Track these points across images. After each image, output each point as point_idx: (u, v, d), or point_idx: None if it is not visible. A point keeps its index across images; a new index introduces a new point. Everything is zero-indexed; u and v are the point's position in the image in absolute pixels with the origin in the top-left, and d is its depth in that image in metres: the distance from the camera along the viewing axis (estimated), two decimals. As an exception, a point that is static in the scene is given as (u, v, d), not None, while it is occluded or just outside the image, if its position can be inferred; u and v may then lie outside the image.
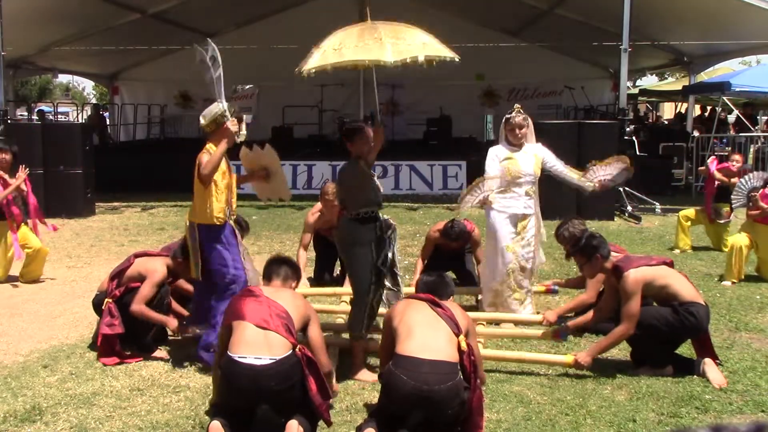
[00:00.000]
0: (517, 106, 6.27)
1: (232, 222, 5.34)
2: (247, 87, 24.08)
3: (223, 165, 5.35)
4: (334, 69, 4.63)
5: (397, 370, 3.83)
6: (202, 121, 5.31)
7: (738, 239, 7.58)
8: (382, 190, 5.09)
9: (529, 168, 6.09)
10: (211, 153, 5.22)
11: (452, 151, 16.48)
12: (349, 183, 5.04)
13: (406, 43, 4.69)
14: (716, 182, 8.92)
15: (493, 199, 6.02)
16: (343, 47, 4.67)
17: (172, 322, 5.33)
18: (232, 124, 5.20)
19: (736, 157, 9.30)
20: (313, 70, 4.62)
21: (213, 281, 5.13)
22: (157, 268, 5.31)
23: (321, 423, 4.01)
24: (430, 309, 4.09)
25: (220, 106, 5.25)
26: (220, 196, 5.29)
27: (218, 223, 5.20)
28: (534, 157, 6.14)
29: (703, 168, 9.14)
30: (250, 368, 3.83)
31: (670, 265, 5.21)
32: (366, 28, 4.85)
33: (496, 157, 6.13)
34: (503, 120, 6.26)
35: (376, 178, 5.06)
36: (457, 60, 4.81)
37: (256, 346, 3.88)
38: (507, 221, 6.06)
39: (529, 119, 6.22)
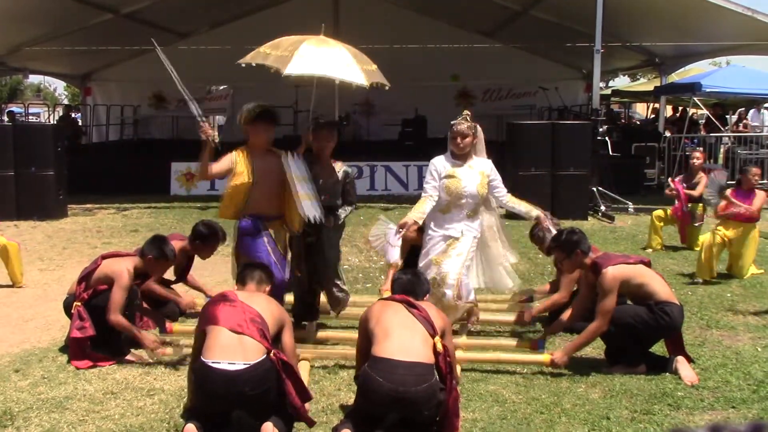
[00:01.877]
0: (466, 112, 5.61)
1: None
2: (221, 88, 23.93)
3: (239, 167, 5.35)
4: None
5: (373, 371, 3.84)
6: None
7: (709, 237, 7.69)
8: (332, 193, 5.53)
9: (472, 187, 5.39)
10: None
11: (427, 151, 16.46)
12: None
13: (316, 61, 5.32)
14: (685, 197, 8.98)
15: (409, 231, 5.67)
16: (272, 50, 5.17)
17: (147, 341, 5.22)
18: (202, 130, 5.30)
19: (696, 154, 9.43)
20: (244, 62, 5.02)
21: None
22: (123, 271, 5.22)
23: (299, 424, 4.01)
24: (406, 310, 4.10)
25: (252, 104, 5.42)
26: (240, 192, 5.37)
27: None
28: (480, 175, 5.45)
29: (671, 192, 9.20)
30: (223, 374, 3.81)
31: (648, 264, 5.27)
32: (298, 42, 5.31)
33: (436, 172, 5.47)
34: (450, 128, 5.59)
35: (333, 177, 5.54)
36: (365, 84, 5.37)
37: (230, 351, 3.86)
38: (440, 241, 5.48)
39: (479, 129, 5.53)
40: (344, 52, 5.42)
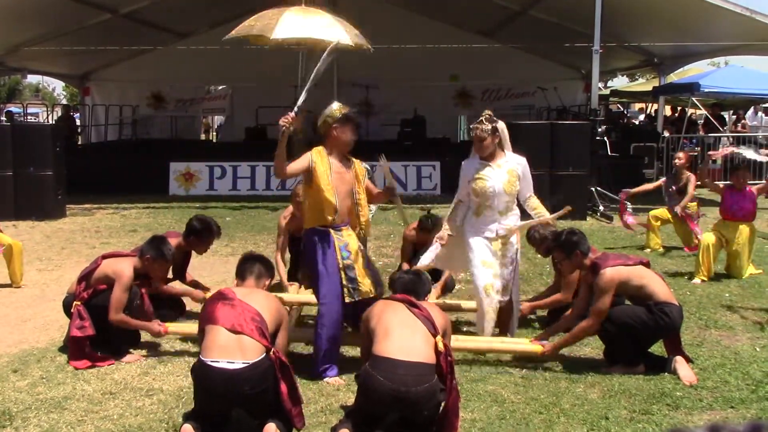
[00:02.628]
0: (487, 112, 5.53)
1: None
2: (221, 88, 23.95)
3: (320, 168, 4.95)
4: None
5: (374, 371, 3.84)
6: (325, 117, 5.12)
7: (707, 237, 7.70)
8: None
9: (499, 186, 5.37)
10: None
11: (426, 151, 16.52)
12: None
13: (300, 26, 5.54)
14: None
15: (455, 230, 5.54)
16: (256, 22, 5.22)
17: (154, 328, 5.27)
18: (283, 119, 4.84)
19: (680, 154, 9.44)
20: (228, 38, 5.06)
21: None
22: (123, 270, 5.23)
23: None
24: (407, 310, 4.10)
25: (335, 105, 5.08)
26: (328, 199, 4.93)
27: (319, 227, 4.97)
28: (508, 173, 5.42)
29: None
30: (222, 372, 3.81)
31: (647, 265, 5.27)
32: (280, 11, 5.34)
33: (464, 178, 5.47)
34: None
35: None
36: (338, 42, 5.21)
37: (229, 350, 3.86)
38: (482, 242, 5.42)
39: (500, 125, 5.44)
40: (326, 16, 5.59)
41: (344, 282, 4.88)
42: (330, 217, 4.91)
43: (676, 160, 9.28)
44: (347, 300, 4.89)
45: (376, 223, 10.41)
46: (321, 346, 4.87)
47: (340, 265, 4.88)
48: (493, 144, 5.42)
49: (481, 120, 5.42)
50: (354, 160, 5.17)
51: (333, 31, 5.40)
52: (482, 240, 5.41)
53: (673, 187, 9.14)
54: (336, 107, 5.03)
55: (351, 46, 5.42)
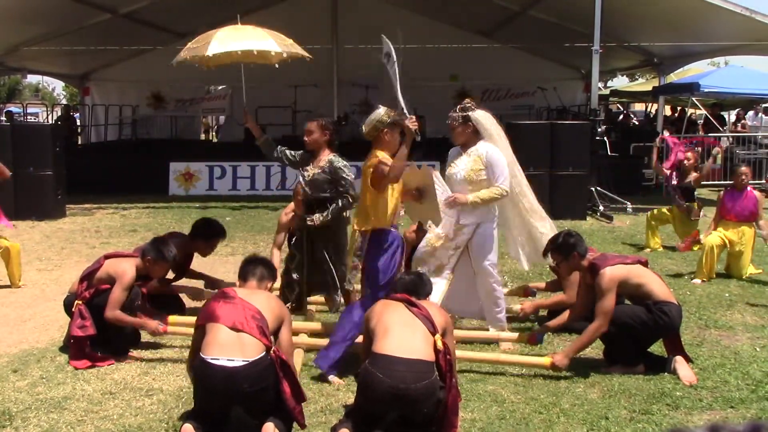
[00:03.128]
0: (466, 100, 5.71)
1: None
2: (220, 88, 23.93)
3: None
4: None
5: (373, 368, 3.84)
6: (363, 128, 5.17)
7: (711, 239, 7.69)
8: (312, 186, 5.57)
9: (461, 173, 5.52)
10: (383, 160, 4.94)
11: (426, 151, 16.51)
12: None
13: (234, 41, 6.09)
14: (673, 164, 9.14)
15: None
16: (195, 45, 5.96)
17: (150, 324, 5.28)
18: (411, 123, 4.88)
19: (689, 154, 9.45)
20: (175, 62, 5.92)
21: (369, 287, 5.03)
22: (126, 270, 5.25)
23: (295, 425, 4.00)
24: (407, 309, 4.10)
25: (382, 110, 5.13)
26: (392, 200, 5.07)
27: (387, 227, 5.08)
28: (473, 162, 5.51)
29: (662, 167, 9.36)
30: (222, 370, 3.81)
31: (645, 264, 5.27)
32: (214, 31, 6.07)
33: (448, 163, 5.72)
34: None
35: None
36: (284, 56, 5.88)
37: (229, 348, 3.87)
38: (448, 222, 5.60)
39: (476, 115, 5.54)
40: (259, 30, 6.01)
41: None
42: (391, 218, 5.08)
43: (685, 161, 9.29)
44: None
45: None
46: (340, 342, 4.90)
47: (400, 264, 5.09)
48: (465, 133, 5.57)
49: (465, 104, 5.62)
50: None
51: (265, 42, 5.77)
52: (448, 222, 5.57)
53: (675, 183, 9.15)
54: (383, 112, 5.10)
55: (283, 57, 5.79)
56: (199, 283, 6.58)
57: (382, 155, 4.97)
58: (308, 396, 4.46)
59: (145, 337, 5.56)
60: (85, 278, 5.36)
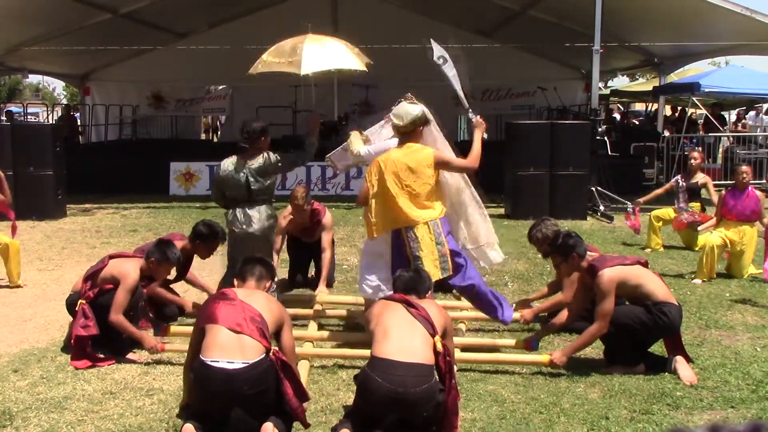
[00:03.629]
0: (408, 95, 5.82)
1: None
2: (221, 88, 23.93)
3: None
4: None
5: (372, 372, 3.84)
6: (397, 121, 5.36)
7: (711, 239, 7.68)
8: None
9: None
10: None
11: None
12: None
13: (322, 58, 6.05)
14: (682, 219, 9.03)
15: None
16: (271, 56, 5.96)
17: (149, 341, 5.25)
18: (479, 122, 5.50)
19: (695, 154, 9.45)
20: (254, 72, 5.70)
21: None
22: (129, 272, 5.26)
23: (296, 424, 4.00)
24: (406, 311, 4.09)
25: (419, 108, 5.42)
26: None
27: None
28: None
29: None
30: (222, 372, 3.81)
31: (645, 264, 5.27)
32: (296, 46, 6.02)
33: (382, 147, 5.82)
34: None
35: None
36: (365, 68, 5.80)
37: (229, 350, 3.86)
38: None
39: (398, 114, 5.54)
40: (339, 45, 5.97)
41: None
42: None
43: (692, 160, 9.29)
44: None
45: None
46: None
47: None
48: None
49: (406, 100, 5.69)
50: None
51: (348, 59, 5.92)
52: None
53: (683, 184, 9.15)
54: (423, 109, 5.45)
55: (365, 71, 5.94)
56: (191, 293, 6.59)
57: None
58: (309, 396, 4.47)
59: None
60: (89, 278, 5.36)
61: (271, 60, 5.79)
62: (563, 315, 5.37)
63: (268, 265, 4.60)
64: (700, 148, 13.55)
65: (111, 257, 5.49)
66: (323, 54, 5.86)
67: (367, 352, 4.16)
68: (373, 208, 5.29)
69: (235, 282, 4.52)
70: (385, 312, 4.12)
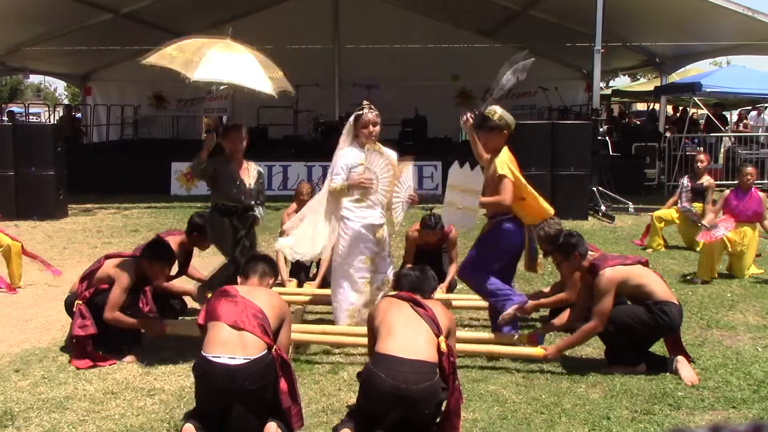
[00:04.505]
0: (366, 102, 5.80)
1: None
2: (222, 88, 23.86)
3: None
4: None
5: (376, 368, 3.84)
6: (509, 122, 5.51)
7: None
8: (251, 193, 5.73)
9: (385, 174, 5.65)
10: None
11: (427, 151, 16.51)
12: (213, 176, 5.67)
13: (224, 66, 5.35)
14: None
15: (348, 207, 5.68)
16: (177, 53, 5.24)
17: (151, 327, 5.28)
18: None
19: (701, 156, 9.44)
20: (147, 63, 5.14)
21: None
22: (124, 271, 5.25)
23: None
24: (412, 309, 4.09)
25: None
26: None
27: None
28: (387, 160, 5.69)
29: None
30: (224, 368, 3.82)
31: (645, 264, 5.27)
32: (204, 45, 5.37)
33: (346, 166, 5.59)
34: (352, 118, 5.73)
35: (250, 181, 5.72)
36: (275, 95, 5.43)
37: (231, 346, 3.87)
38: (364, 231, 5.62)
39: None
40: (251, 59, 5.44)
41: None
42: None
43: (699, 163, 9.30)
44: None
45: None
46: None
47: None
48: (380, 130, 5.72)
49: (369, 106, 5.70)
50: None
51: (256, 79, 5.29)
52: (360, 235, 5.59)
53: (689, 185, 9.15)
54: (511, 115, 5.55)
55: (273, 96, 5.47)
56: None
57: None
58: (309, 396, 4.48)
59: (146, 337, 5.56)
60: (86, 278, 5.37)
61: (170, 54, 5.25)
62: (564, 315, 5.37)
63: (271, 262, 4.61)
64: (702, 148, 13.55)
65: (107, 257, 5.49)
66: (227, 65, 5.15)
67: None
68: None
69: (239, 279, 4.54)
70: (390, 309, 4.12)
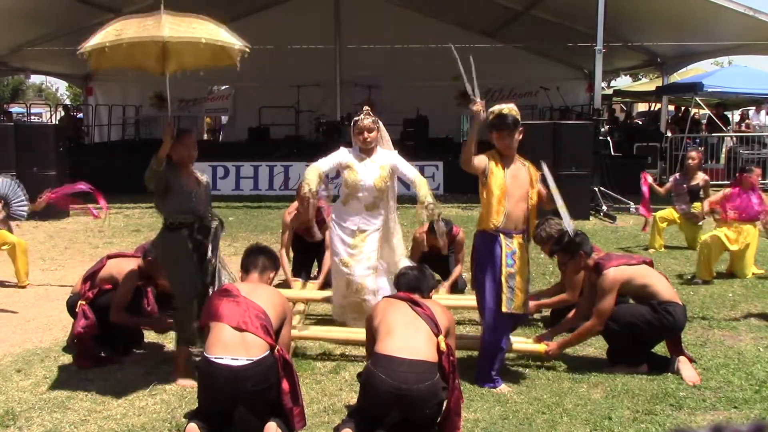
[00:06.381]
0: (366, 108, 5.71)
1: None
2: (223, 88, 23.94)
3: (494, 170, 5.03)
4: (110, 49, 4.51)
5: (375, 368, 3.84)
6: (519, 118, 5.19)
7: (707, 238, 7.67)
8: (206, 203, 5.09)
9: (368, 180, 5.44)
10: None
11: (429, 151, 16.51)
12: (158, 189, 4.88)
13: (188, 26, 4.77)
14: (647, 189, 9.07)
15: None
16: (123, 30, 4.61)
17: (158, 324, 5.30)
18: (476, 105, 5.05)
19: (692, 154, 9.42)
20: (89, 49, 4.52)
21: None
22: (128, 271, 5.26)
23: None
24: (410, 309, 4.09)
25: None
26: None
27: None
28: (380, 169, 5.47)
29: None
30: (226, 369, 3.82)
31: (650, 264, 5.27)
32: (150, 15, 4.78)
33: (339, 162, 5.52)
34: (352, 123, 5.67)
35: (201, 186, 5.07)
36: (246, 49, 4.86)
37: (233, 347, 3.87)
38: (342, 234, 5.53)
39: (380, 123, 5.64)
40: (201, 19, 5.11)
41: (504, 290, 4.74)
42: (498, 222, 4.79)
43: (689, 161, 9.28)
44: (504, 309, 4.74)
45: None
46: (484, 355, 4.81)
47: (504, 273, 4.74)
48: (376, 138, 5.57)
49: (367, 112, 5.59)
50: (527, 163, 5.15)
51: (222, 33, 4.99)
52: (340, 236, 5.52)
53: (684, 186, 9.13)
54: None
55: (245, 50, 5.03)
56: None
57: None
58: (311, 396, 4.48)
59: (149, 337, 5.57)
60: (88, 278, 5.37)
61: (115, 29, 4.74)
62: (572, 314, 5.36)
63: (271, 255, 4.59)
64: (702, 148, 13.54)
65: (109, 257, 5.50)
66: (187, 24, 4.81)
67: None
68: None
69: (239, 274, 4.52)
70: (389, 309, 4.12)
